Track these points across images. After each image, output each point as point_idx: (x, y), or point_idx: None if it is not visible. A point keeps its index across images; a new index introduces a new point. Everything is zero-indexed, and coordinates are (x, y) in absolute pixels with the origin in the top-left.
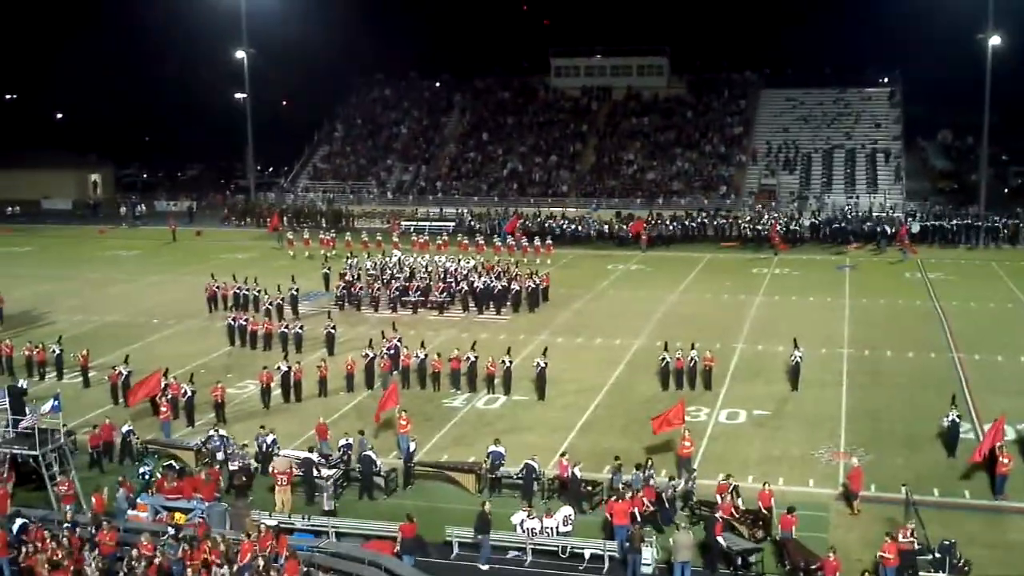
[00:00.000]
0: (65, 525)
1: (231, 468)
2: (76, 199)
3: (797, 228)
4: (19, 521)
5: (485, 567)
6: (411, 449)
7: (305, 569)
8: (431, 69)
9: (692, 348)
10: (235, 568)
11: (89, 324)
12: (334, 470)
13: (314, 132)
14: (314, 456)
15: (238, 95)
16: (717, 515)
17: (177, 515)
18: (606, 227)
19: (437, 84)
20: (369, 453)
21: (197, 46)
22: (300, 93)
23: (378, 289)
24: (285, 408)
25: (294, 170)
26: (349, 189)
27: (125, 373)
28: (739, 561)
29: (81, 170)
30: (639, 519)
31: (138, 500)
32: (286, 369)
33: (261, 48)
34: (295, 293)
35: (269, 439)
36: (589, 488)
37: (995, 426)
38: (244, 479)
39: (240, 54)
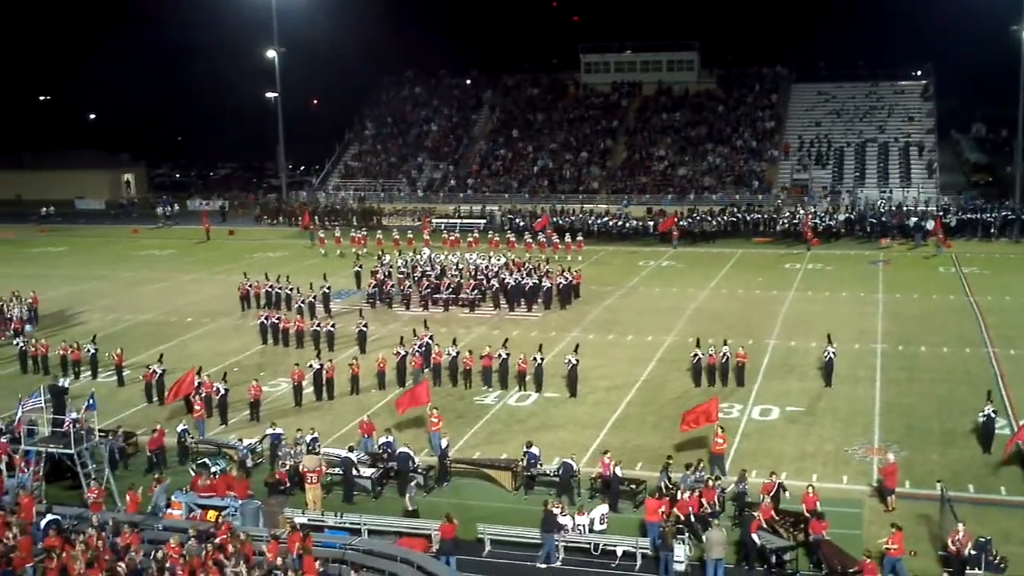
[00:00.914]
0: (90, 529)
1: (283, 467)
2: (109, 199)
3: (830, 223)
4: (48, 517)
5: (543, 566)
6: (444, 446)
7: (322, 569)
8: (461, 66)
9: (724, 344)
10: (250, 566)
11: (123, 323)
12: (374, 468)
13: (345, 131)
14: (353, 455)
15: (269, 94)
16: (755, 513)
17: (211, 513)
18: (638, 222)
19: (467, 81)
20: (406, 450)
21: (228, 46)
22: (331, 92)
23: (409, 287)
24: (317, 406)
25: (325, 169)
26: (380, 187)
27: (159, 372)
28: (773, 559)
29: (114, 170)
30: (693, 520)
31: (172, 498)
32: (318, 367)
33: (292, 47)
34: (327, 291)
35: (308, 438)
36: (633, 487)
37: None
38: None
39: (271, 53)
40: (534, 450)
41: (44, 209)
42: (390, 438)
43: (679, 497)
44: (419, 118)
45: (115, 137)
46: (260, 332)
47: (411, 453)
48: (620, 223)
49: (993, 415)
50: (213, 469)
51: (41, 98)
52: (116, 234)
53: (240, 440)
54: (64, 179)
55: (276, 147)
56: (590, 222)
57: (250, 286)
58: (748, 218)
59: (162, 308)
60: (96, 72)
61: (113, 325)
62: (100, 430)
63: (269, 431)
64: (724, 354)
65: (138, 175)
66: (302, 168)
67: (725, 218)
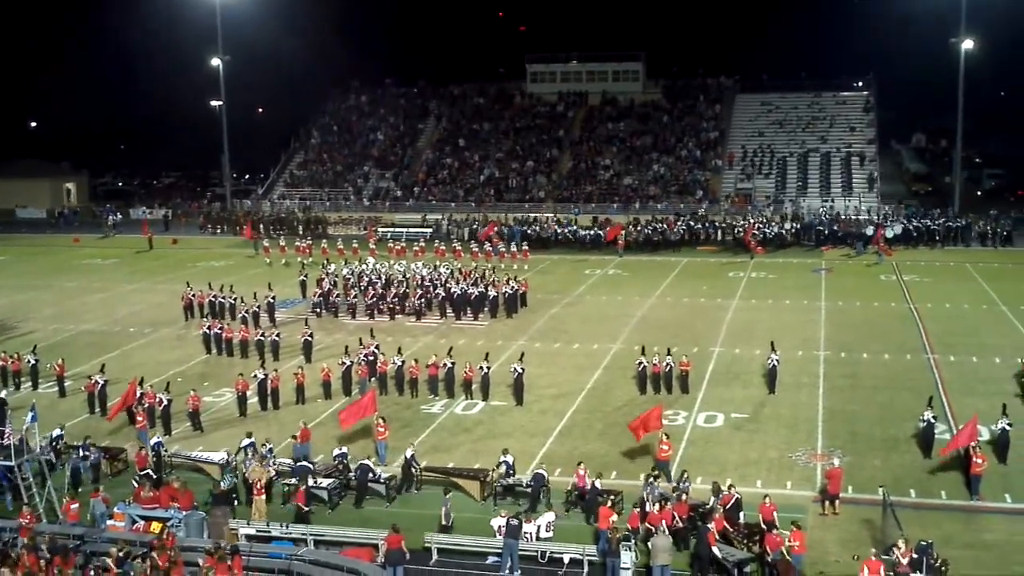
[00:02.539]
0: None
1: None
2: (51, 208)
3: (774, 231)
4: None
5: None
6: (410, 455)
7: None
8: (407, 76)
9: (668, 354)
10: None
11: (65, 332)
12: (330, 479)
13: (290, 139)
14: (310, 465)
15: (214, 102)
16: (710, 526)
17: (154, 524)
18: (585, 232)
19: (414, 90)
20: (366, 461)
21: (172, 53)
22: (276, 100)
23: (354, 296)
24: (262, 416)
25: (270, 177)
26: (326, 196)
27: (101, 382)
28: (735, 572)
29: (56, 178)
30: (667, 533)
31: (115, 509)
32: (263, 377)
33: (237, 55)
34: (271, 301)
35: (264, 448)
36: (612, 498)
37: (968, 425)
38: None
39: (216, 61)
40: (509, 458)
41: None
42: (343, 449)
43: (648, 509)
44: (365, 127)
45: (56, 145)
46: (204, 342)
47: (371, 464)
48: (569, 231)
49: (933, 420)
50: (223, 485)
51: None
52: (58, 243)
53: (228, 452)
54: (4, 188)
55: (220, 156)
56: (538, 230)
57: (193, 295)
58: (697, 226)
59: (105, 318)
60: (37, 80)
61: (56, 335)
62: (69, 445)
63: (245, 441)
64: (668, 363)
65: (80, 184)
66: (247, 177)
67: (681, 227)
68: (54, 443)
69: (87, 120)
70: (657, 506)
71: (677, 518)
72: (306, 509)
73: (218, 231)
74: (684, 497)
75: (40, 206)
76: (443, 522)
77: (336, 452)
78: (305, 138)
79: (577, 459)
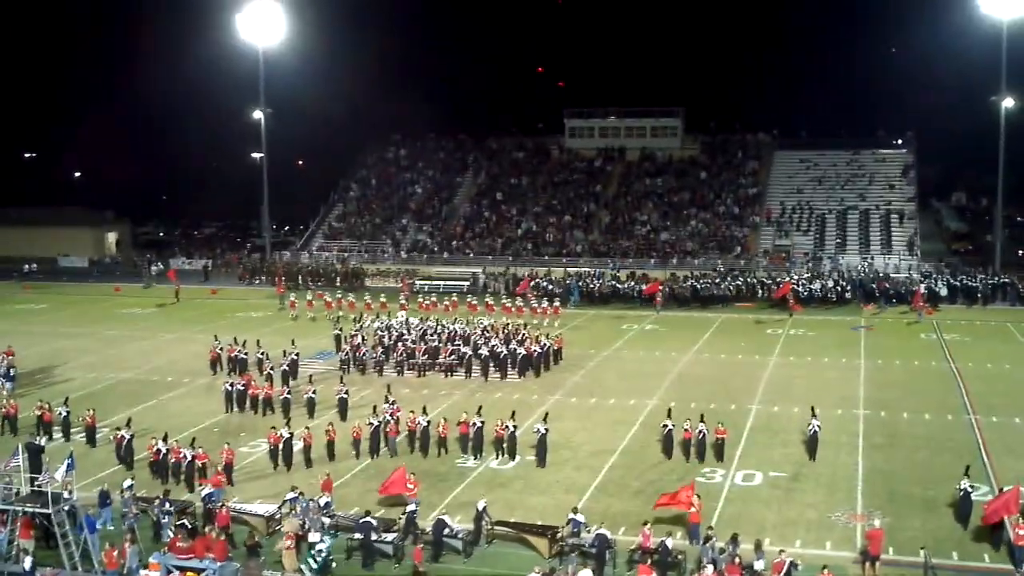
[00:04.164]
0: None
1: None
2: (92, 256)
3: (812, 289)
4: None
5: None
6: (481, 507)
7: None
8: (447, 129)
9: (701, 421)
10: None
11: (104, 381)
12: (394, 534)
13: (330, 192)
14: (372, 520)
15: (255, 154)
16: None
17: (188, 574)
18: (621, 285)
19: (452, 144)
20: (443, 516)
21: (215, 105)
22: (316, 153)
23: (381, 352)
24: (282, 472)
25: (310, 229)
26: (364, 248)
27: (128, 436)
28: None
29: (98, 227)
30: None
31: (150, 559)
32: (288, 436)
33: (278, 107)
34: (295, 357)
35: (323, 501)
36: (680, 557)
37: (1011, 494)
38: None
39: (257, 114)
40: (580, 517)
41: (27, 266)
42: (413, 506)
43: (701, 572)
44: (404, 180)
45: (99, 194)
46: (225, 399)
47: (447, 519)
48: (611, 283)
49: (970, 490)
50: (318, 547)
51: (26, 155)
52: (98, 292)
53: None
54: (48, 236)
55: (260, 207)
56: (580, 284)
57: (221, 350)
58: (743, 283)
59: (143, 367)
60: (81, 129)
61: (94, 383)
62: (140, 498)
63: (290, 495)
64: (700, 430)
65: (122, 233)
66: (287, 228)
67: (731, 284)
68: (122, 494)
69: (130, 170)
70: (708, 569)
71: None
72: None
73: (257, 282)
74: (737, 560)
75: (82, 254)
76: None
77: (409, 508)
78: (344, 191)
79: (612, 516)
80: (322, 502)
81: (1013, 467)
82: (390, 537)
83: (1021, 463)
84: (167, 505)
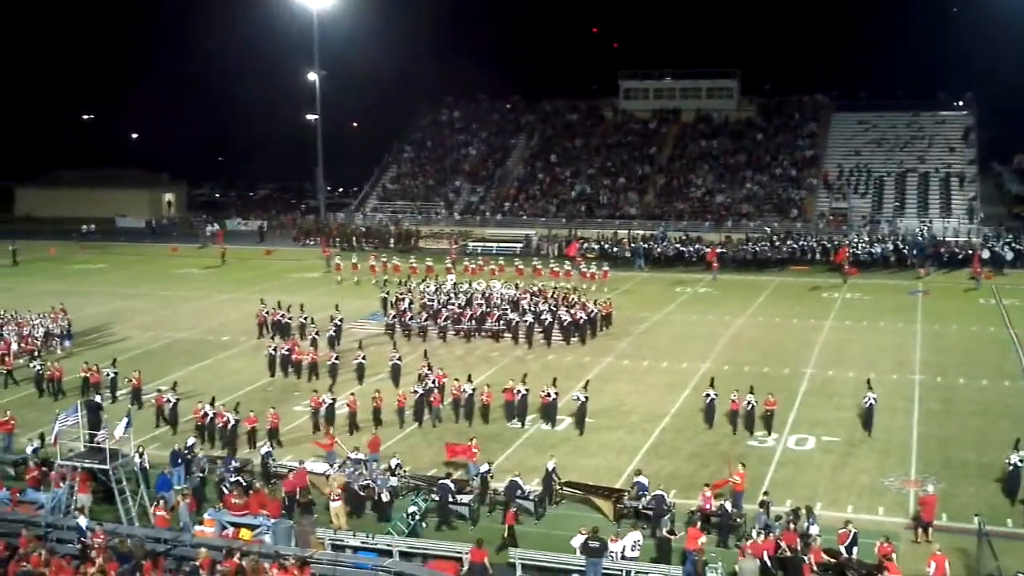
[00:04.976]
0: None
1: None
2: (149, 218)
3: (869, 252)
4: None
5: None
6: (551, 468)
7: None
8: (501, 91)
9: (750, 392)
10: None
11: (161, 340)
12: (468, 495)
13: (383, 154)
14: (448, 482)
15: (309, 116)
16: (807, 558)
17: (243, 531)
18: (680, 247)
19: (506, 106)
20: (516, 478)
21: (270, 68)
22: (371, 115)
23: (426, 318)
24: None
25: (363, 191)
26: (417, 210)
27: (173, 400)
28: None
29: (154, 189)
30: (769, 563)
31: (205, 516)
32: (330, 401)
33: (333, 70)
34: (339, 323)
35: (393, 463)
36: (739, 520)
37: None
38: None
39: (312, 76)
40: (643, 480)
41: (85, 227)
42: (487, 466)
43: (753, 538)
44: (458, 142)
45: (156, 156)
46: (268, 363)
47: (519, 481)
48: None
49: (1020, 464)
50: (411, 509)
51: (84, 117)
52: (155, 252)
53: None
54: (106, 197)
55: (315, 169)
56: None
57: (267, 313)
58: (799, 246)
59: (199, 326)
60: (138, 92)
61: (150, 343)
62: (210, 457)
63: (352, 455)
64: (749, 401)
65: (178, 194)
66: (341, 190)
67: (791, 245)
68: (187, 452)
69: (186, 132)
70: (762, 535)
71: (784, 547)
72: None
73: (311, 243)
74: (792, 528)
75: (139, 216)
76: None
77: (482, 469)
78: (398, 152)
79: (664, 479)
80: (393, 463)
81: None
82: (465, 499)
83: None
84: (232, 463)
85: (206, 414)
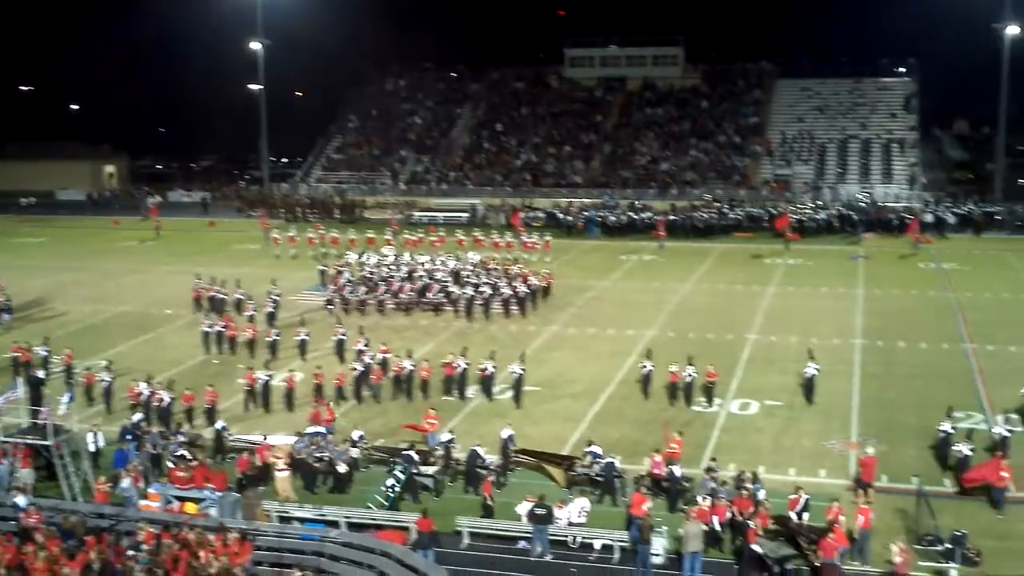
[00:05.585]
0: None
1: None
2: (90, 190)
3: (819, 218)
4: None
5: (545, 558)
6: (506, 436)
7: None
8: (446, 60)
9: (689, 364)
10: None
11: (103, 314)
12: (434, 467)
13: (328, 124)
14: (413, 453)
15: (253, 86)
16: (752, 523)
17: (188, 505)
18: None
19: (452, 75)
20: (476, 447)
21: (212, 37)
22: (315, 84)
23: (365, 291)
24: (267, 416)
25: (308, 161)
26: (363, 180)
27: (108, 380)
28: (776, 569)
29: (96, 161)
30: (718, 528)
31: (149, 490)
32: (265, 379)
33: (276, 39)
34: (276, 298)
35: (355, 435)
36: (688, 485)
37: (992, 465)
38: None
39: (255, 45)
40: (596, 449)
41: (24, 200)
42: (448, 436)
43: (700, 503)
44: (403, 111)
45: (97, 128)
46: (203, 340)
47: (480, 451)
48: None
49: (951, 431)
50: (389, 482)
51: (23, 88)
52: (97, 225)
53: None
54: (45, 170)
55: (259, 139)
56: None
57: (203, 289)
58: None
59: (141, 300)
60: (78, 63)
61: (92, 317)
62: (162, 432)
63: (310, 429)
64: (689, 373)
65: (120, 166)
66: (285, 160)
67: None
68: (135, 428)
69: (127, 103)
70: (708, 501)
71: (736, 513)
72: (490, 502)
73: (255, 214)
74: (744, 493)
75: (80, 188)
76: None
77: (443, 438)
78: (343, 122)
79: (610, 445)
80: (355, 435)
81: (1008, 394)
82: (430, 470)
83: (1014, 390)
84: (180, 437)
85: (140, 393)
